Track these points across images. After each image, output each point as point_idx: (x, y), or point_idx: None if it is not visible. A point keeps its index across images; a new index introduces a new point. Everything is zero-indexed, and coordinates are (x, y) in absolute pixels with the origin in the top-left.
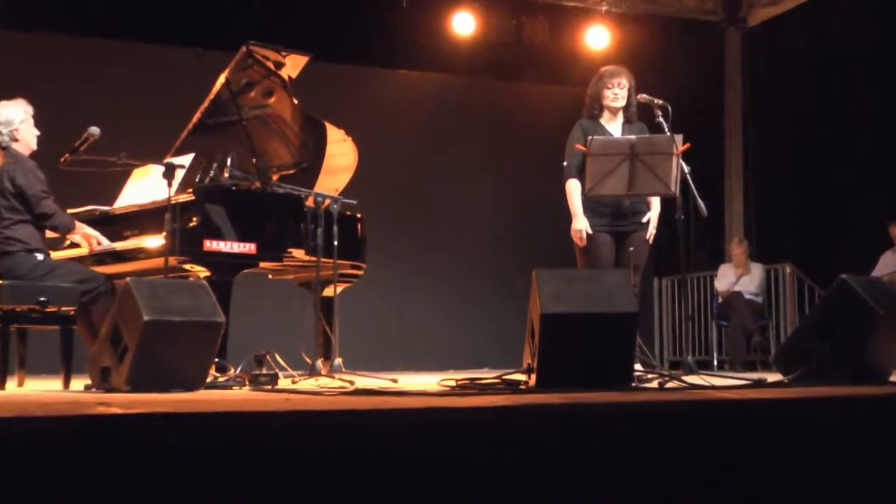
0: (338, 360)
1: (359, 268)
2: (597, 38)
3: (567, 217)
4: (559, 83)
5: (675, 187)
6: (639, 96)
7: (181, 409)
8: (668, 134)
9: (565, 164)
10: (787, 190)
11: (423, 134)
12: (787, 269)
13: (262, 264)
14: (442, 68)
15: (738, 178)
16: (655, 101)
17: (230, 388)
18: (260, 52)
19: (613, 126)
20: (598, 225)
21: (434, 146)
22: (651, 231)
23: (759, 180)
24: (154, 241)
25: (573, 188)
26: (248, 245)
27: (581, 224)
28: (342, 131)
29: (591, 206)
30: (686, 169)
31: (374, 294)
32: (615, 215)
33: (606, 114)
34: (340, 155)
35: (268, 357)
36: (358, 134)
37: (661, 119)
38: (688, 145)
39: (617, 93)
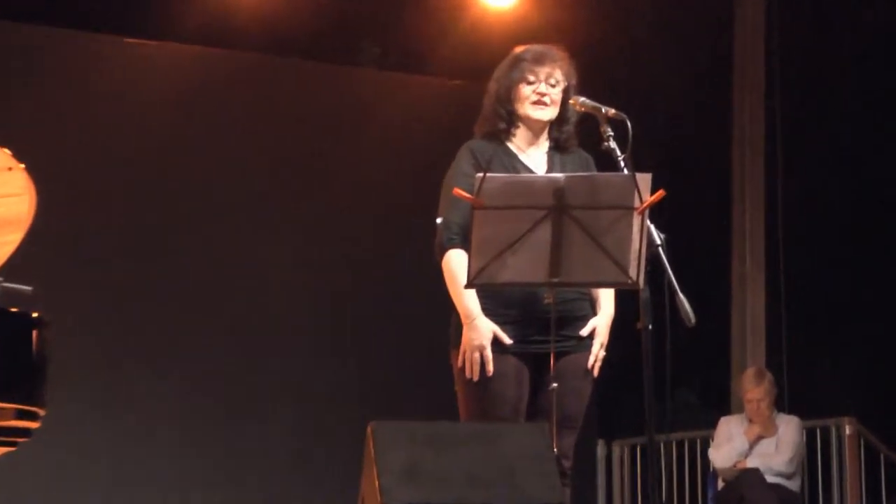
0: None
1: (32, 416)
2: None
3: (438, 315)
4: (427, 72)
5: (637, 272)
6: (574, 101)
7: None
8: (626, 172)
9: (439, 220)
10: (845, 280)
11: (174, 155)
12: (847, 429)
13: None
14: (213, 39)
15: (757, 254)
16: (605, 110)
17: None
18: None
19: (532, 154)
20: (495, 340)
21: (196, 177)
22: (596, 352)
23: (796, 258)
24: None
25: (456, 265)
26: None
27: (482, 334)
28: (6, 153)
29: (485, 302)
30: (658, 238)
31: (64, 466)
32: (527, 322)
33: (522, 132)
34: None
35: None
36: (47, 154)
37: (611, 144)
38: (661, 193)
39: (545, 93)
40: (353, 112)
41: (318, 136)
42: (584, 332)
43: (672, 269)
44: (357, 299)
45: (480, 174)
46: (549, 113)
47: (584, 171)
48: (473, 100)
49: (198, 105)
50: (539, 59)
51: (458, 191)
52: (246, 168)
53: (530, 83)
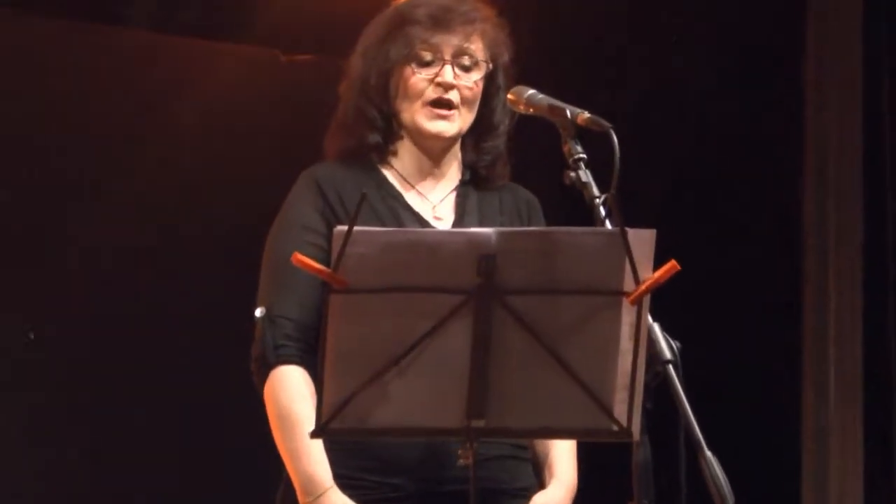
0: None
1: None
2: None
3: (265, 463)
4: (251, 39)
5: (629, 412)
6: (514, 97)
7: None
8: (608, 226)
9: (260, 312)
10: None
11: None
12: None
13: None
14: None
15: (850, 383)
16: (570, 112)
17: None
18: None
19: (430, 192)
20: None
21: None
22: None
23: None
24: None
25: (290, 394)
26: None
27: None
28: None
29: (343, 462)
30: (668, 350)
31: None
32: (424, 501)
33: (409, 150)
34: None
35: None
36: None
37: (581, 175)
38: (673, 266)
39: (450, 84)
40: (123, 98)
41: (67, 130)
42: None
43: (693, 405)
44: (124, 396)
45: (341, 227)
46: (457, 124)
47: (526, 223)
48: (329, 88)
49: None
50: (441, 22)
51: (300, 257)
52: None
53: (424, 64)
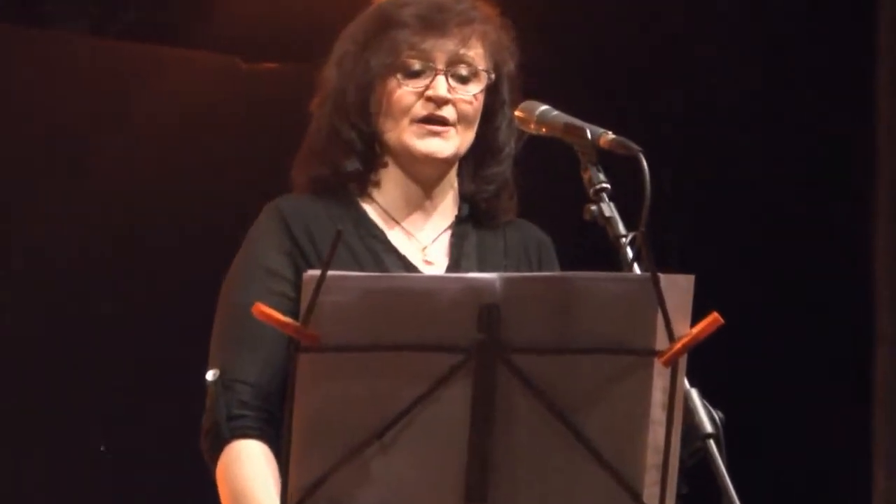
0: None
1: None
2: None
3: None
4: (203, 44)
5: (662, 494)
6: (523, 114)
7: None
8: (637, 270)
9: (212, 375)
10: None
11: None
12: None
13: None
14: None
15: None
16: (591, 132)
17: None
18: None
19: (419, 231)
20: None
21: None
22: None
23: None
24: None
25: (247, 474)
26: None
27: None
28: None
29: None
30: (709, 421)
31: None
32: None
33: (395, 179)
34: None
35: None
36: None
37: (605, 208)
38: (715, 319)
39: (445, 98)
40: (70, 109)
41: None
42: None
43: (739, 488)
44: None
45: (312, 272)
46: (454, 143)
47: (536, 267)
48: (296, 101)
49: None
50: (432, 24)
51: (262, 308)
52: None
53: (412, 75)
